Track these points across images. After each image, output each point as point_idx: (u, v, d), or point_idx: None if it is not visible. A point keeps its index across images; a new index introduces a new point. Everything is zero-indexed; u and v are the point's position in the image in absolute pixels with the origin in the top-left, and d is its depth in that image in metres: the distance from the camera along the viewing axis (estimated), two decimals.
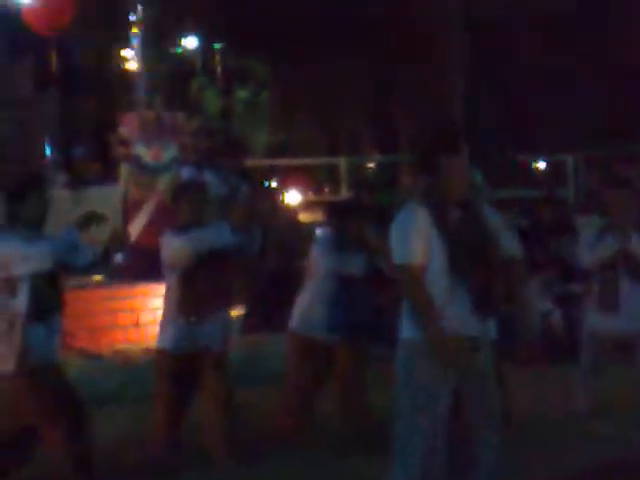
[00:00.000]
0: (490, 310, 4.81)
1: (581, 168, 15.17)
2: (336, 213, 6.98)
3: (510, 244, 4.98)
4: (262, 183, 12.47)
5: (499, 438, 4.86)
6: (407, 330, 4.82)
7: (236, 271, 6.64)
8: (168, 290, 6.42)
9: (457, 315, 4.71)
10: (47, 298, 5.58)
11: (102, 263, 5.92)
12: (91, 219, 5.69)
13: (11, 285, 5.50)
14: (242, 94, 18.89)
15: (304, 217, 11.66)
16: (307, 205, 12.57)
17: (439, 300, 4.70)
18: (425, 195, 4.79)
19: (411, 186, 12.11)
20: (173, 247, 6.32)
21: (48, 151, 11.23)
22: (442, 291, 4.71)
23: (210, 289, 6.29)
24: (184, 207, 6.39)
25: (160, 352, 6.40)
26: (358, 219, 6.73)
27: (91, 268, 6.42)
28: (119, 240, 6.03)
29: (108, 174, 10.61)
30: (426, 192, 4.80)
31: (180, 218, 6.41)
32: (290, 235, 9.79)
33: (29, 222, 5.60)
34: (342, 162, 14.00)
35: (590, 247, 7.00)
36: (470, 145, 11.89)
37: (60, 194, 10.02)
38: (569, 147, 15.43)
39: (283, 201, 12.09)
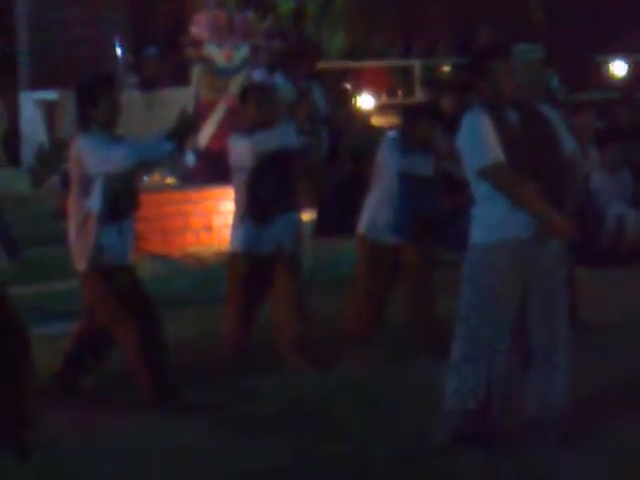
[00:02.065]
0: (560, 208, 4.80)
1: None
2: (407, 115, 6.96)
3: (569, 142, 4.98)
4: (339, 87, 12.39)
5: (565, 360, 4.91)
6: (478, 235, 4.86)
7: (302, 173, 6.67)
8: (237, 192, 6.51)
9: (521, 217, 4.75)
10: (121, 199, 5.65)
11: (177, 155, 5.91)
12: (187, 124, 5.66)
13: (85, 185, 5.59)
14: None
15: (378, 121, 11.60)
16: (381, 108, 12.49)
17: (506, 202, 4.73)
18: (483, 99, 4.83)
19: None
20: (238, 148, 6.40)
21: (120, 52, 11.25)
22: None
23: (276, 190, 6.36)
24: (251, 109, 6.46)
25: (231, 254, 6.51)
26: (427, 121, 6.70)
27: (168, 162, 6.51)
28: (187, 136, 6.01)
29: (180, 76, 10.61)
30: (483, 96, 4.84)
31: (247, 120, 6.47)
32: (362, 138, 9.77)
33: (102, 124, 5.65)
34: (416, 65, 13.87)
35: None
36: (548, 49, 11.70)
37: (132, 95, 10.07)
38: None
39: (357, 104, 12.02)
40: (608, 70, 16.14)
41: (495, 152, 4.69)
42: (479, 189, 4.85)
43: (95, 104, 5.65)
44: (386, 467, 4.81)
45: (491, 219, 4.82)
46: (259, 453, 5.03)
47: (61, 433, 5.23)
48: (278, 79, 9.43)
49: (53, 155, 5.35)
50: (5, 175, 5.31)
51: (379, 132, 9.48)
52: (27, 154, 10.04)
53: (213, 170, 8.81)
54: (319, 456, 4.96)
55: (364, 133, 10.09)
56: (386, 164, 6.72)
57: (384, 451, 4.95)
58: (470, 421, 4.81)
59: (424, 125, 6.70)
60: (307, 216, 8.86)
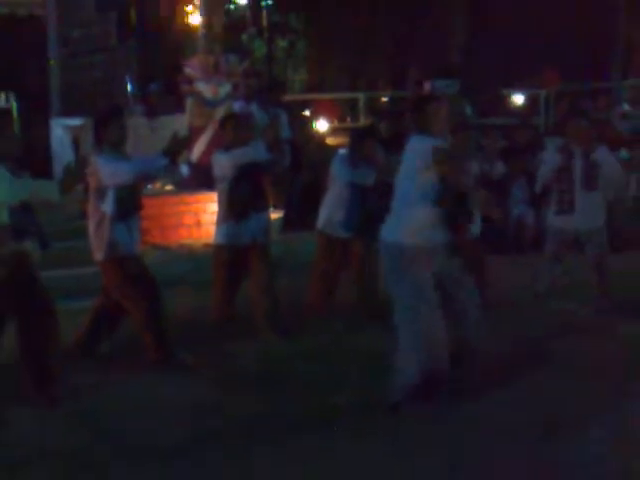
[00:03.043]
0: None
1: (551, 101, 14.87)
2: (354, 136, 6.90)
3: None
4: (300, 114, 12.28)
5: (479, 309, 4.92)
6: (393, 234, 4.84)
7: (270, 180, 6.59)
8: (219, 197, 6.41)
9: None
10: (128, 203, 5.55)
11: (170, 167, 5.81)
12: (177, 143, 5.59)
13: (100, 192, 5.49)
14: (282, 43, 18.59)
15: (331, 140, 11.52)
16: (333, 131, 12.43)
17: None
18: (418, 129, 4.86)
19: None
20: (220, 162, 6.30)
21: (130, 88, 11.10)
22: None
23: (250, 194, 6.25)
24: (229, 132, 6.37)
25: (216, 246, 6.41)
26: (370, 141, 6.64)
27: (163, 174, 6.42)
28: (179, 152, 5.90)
29: (177, 106, 10.49)
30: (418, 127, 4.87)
31: (226, 140, 6.38)
32: (319, 154, 9.69)
33: (112, 144, 5.55)
34: (361, 97, 13.86)
35: (548, 162, 7.02)
36: (464, 83, 11.60)
37: (139, 121, 9.94)
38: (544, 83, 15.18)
39: (314, 128, 11.94)
40: (509, 101, 16.18)
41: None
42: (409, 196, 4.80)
43: (107, 128, 5.55)
44: (343, 415, 4.73)
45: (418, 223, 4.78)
46: (239, 402, 4.95)
47: (80, 387, 5.15)
48: (254, 108, 9.34)
49: (77, 169, 5.23)
50: (39, 185, 5.17)
51: (332, 149, 9.44)
52: (57, 168, 9.89)
53: (202, 179, 8.70)
54: (288, 406, 4.88)
55: (319, 150, 10.01)
56: (337, 175, 6.65)
57: (341, 403, 4.87)
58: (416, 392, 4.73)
59: (368, 144, 6.65)
60: (276, 215, 8.83)
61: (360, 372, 5.33)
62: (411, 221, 4.80)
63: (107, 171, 5.41)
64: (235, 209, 6.21)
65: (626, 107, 14.41)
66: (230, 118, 6.70)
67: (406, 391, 4.73)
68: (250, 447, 4.34)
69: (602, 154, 6.80)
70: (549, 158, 7.12)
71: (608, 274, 6.80)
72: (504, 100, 16.19)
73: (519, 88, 16.15)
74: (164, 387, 5.19)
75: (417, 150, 4.81)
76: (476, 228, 6.86)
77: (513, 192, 9.33)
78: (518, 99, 16.12)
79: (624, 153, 9.69)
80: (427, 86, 12.77)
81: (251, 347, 5.95)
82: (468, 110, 12.89)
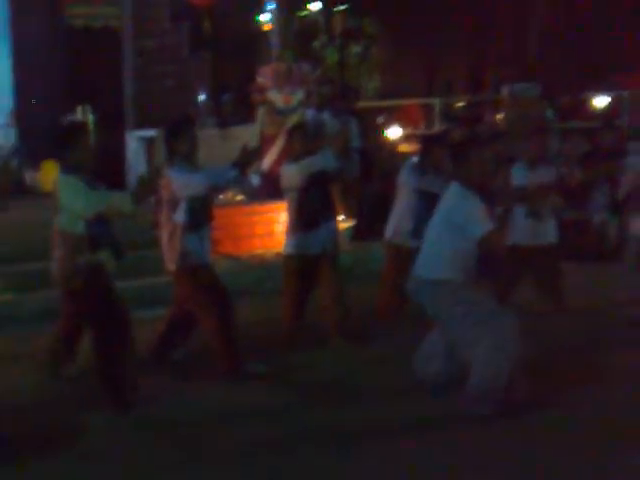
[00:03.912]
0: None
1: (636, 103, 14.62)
2: (423, 143, 6.99)
3: None
4: (373, 121, 12.36)
5: None
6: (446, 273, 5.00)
7: (340, 189, 6.69)
8: (289, 207, 6.54)
9: None
10: (200, 214, 5.72)
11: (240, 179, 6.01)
12: (247, 156, 5.78)
13: (173, 203, 5.69)
14: (355, 49, 18.71)
15: (403, 148, 11.58)
16: (406, 138, 12.48)
17: None
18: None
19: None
20: (288, 172, 6.45)
21: (202, 98, 11.39)
22: None
23: (319, 204, 6.38)
24: (296, 143, 6.52)
25: (285, 256, 6.55)
26: (439, 149, 6.72)
27: (233, 185, 6.61)
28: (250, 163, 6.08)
29: (248, 116, 10.71)
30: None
31: (294, 151, 6.53)
32: (391, 162, 9.78)
33: (184, 155, 5.73)
34: (437, 102, 13.90)
35: (633, 167, 6.97)
36: (544, 86, 11.53)
37: (211, 132, 10.18)
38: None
39: (386, 135, 12.00)
40: (591, 104, 15.98)
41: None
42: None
43: (178, 140, 5.75)
44: (415, 426, 4.84)
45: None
46: (310, 410, 5.12)
47: (155, 394, 5.37)
48: (326, 116, 9.50)
49: (150, 181, 5.46)
50: (114, 197, 5.41)
51: (404, 157, 9.50)
52: (132, 180, 10.21)
53: (274, 189, 8.87)
54: (359, 414, 5.02)
55: (392, 158, 10.09)
56: (406, 183, 6.75)
57: (412, 411, 4.99)
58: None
59: (437, 151, 6.73)
60: (346, 224, 8.95)
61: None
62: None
63: (179, 182, 5.63)
64: (304, 219, 6.35)
65: None
66: (298, 128, 6.85)
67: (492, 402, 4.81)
68: (319, 454, 4.48)
69: None
70: (634, 162, 7.06)
71: None
72: (586, 103, 16.01)
73: (601, 90, 15.94)
74: (237, 395, 5.37)
75: (460, 210, 4.97)
76: (553, 235, 6.90)
77: (594, 198, 9.25)
78: (601, 101, 15.90)
79: None
80: (505, 90, 12.73)
81: (322, 355, 6.10)
82: (549, 114, 12.82)
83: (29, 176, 10.81)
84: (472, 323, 4.87)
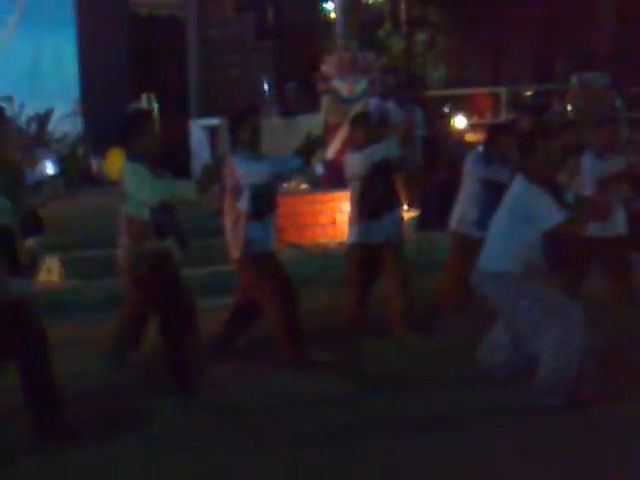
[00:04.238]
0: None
1: None
2: (489, 132, 6.93)
3: None
4: (439, 110, 12.28)
5: None
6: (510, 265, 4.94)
7: (404, 178, 6.68)
8: (352, 196, 6.55)
9: None
10: (263, 202, 5.76)
11: (304, 168, 6.04)
12: (311, 145, 5.81)
13: (237, 192, 5.74)
14: (421, 37, 18.62)
15: (470, 137, 11.48)
16: (473, 127, 12.37)
17: None
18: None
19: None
20: (352, 161, 6.46)
21: (266, 87, 11.44)
22: None
23: (383, 193, 6.38)
24: (359, 132, 6.53)
25: (349, 245, 6.56)
26: (506, 138, 6.66)
27: (297, 174, 6.63)
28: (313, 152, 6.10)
29: (312, 105, 10.73)
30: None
31: (357, 140, 6.53)
32: (457, 151, 9.72)
33: (247, 144, 5.77)
34: (503, 91, 13.75)
35: None
36: (614, 75, 11.31)
37: (274, 121, 10.23)
38: None
39: (452, 124, 11.91)
40: None
41: None
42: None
43: (241, 129, 5.79)
44: (480, 417, 4.81)
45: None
46: (374, 399, 5.12)
47: (220, 381, 5.44)
48: (390, 105, 9.47)
49: (215, 169, 5.53)
50: (179, 185, 5.49)
51: (470, 146, 9.44)
52: (196, 168, 10.31)
53: (337, 178, 8.90)
54: (422, 404, 5.01)
55: (458, 147, 10.02)
56: (471, 173, 6.70)
57: (475, 403, 4.96)
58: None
59: (503, 141, 6.68)
60: (411, 214, 8.92)
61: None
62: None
63: (243, 171, 5.68)
64: (368, 208, 6.35)
65: None
66: (361, 116, 6.87)
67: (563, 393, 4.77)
68: (384, 443, 4.49)
69: None
70: None
71: None
72: None
73: None
74: (301, 383, 5.41)
75: (527, 203, 4.91)
76: (622, 226, 6.79)
77: None
78: None
79: None
80: (575, 79, 12.53)
81: (386, 345, 6.11)
82: (618, 103, 12.58)
83: (95, 164, 10.99)
84: (538, 316, 4.83)
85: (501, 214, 5.09)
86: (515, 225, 4.93)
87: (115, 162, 10.10)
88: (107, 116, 10.71)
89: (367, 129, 6.50)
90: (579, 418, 4.67)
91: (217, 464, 4.32)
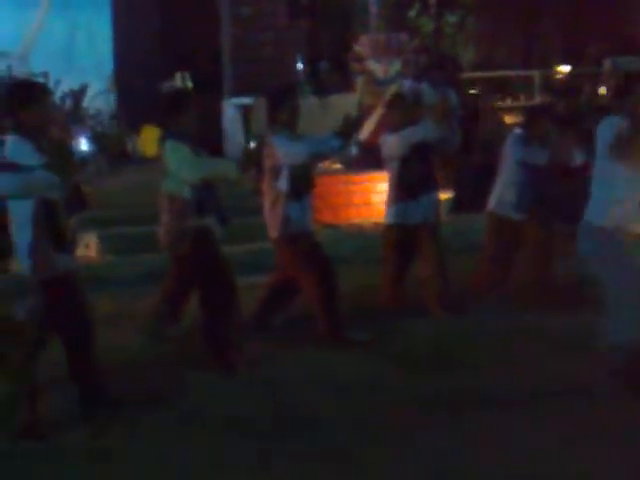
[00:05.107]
0: None
1: None
2: (528, 115, 6.90)
3: None
4: (470, 92, 12.15)
5: None
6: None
7: (440, 159, 6.67)
8: (390, 177, 6.57)
9: None
10: (302, 182, 5.78)
11: (343, 148, 6.03)
12: (351, 125, 5.81)
13: (275, 171, 5.75)
14: (451, 18, 18.46)
15: (504, 119, 11.38)
16: (509, 109, 12.29)
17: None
18: None
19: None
20: (389, 142, 6.46)
21: (300, 66, 11.42)
22: None
23: (420, 174, 6.38)
24: (396, 113, 6.52)
25: (386, 225, 6.57)
26: (544, 120, 6.63)
27: (337, 154, 6.64)
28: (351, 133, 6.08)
29: (345, 85, 10.71)
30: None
31: (394, 121, 6.52)
32: (492, 133, 9.65)
33: (286, 124, 5.78)
34: (536, 74, 13.64)
35: None
36: None
37: (309, 100, 10.21)
38: None
39: (491, 106, 11.80)
40: None
41: None
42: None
43: (280, 109, 5.80)
44: (519, 397, 4.82)
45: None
46: (408, 379, 5.14)
47: (258, 358, 5.47)
48: (424, 87, 9.41)
49: (256, 150, 5.56)
50: (219, 163, 5.52)
51: (505, 128, 9.37)
52: (229, 147, 10.35)
53: (371, 159, 8.88)
54: (457, 384, 5.02)
55: (496, 129, 9.93)
56: (510, 154, 6.68)
57: (504, 383, 4.98)
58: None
59: (541, 123, 6.65)
60: (446, 195, 8.89)
61: (531, 354, 5.44)
62: None
63: (282, 151, 5.68)
64: (405, 189, 6.37)
65: None
66: (398, 98, 6.87)
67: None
68: (420, 423, 4.51)
69: None
70: None
71: None
72: None
73: None
74: (339, 362, 5.44)
75: None
76: None
77: None
78: None
79: None
80: (608, 63, 12.41)
81: (421, 326, 6.13)
82: None
83: (129, 141, 11.04)
84: None
85: None
86: None
87: (149, 140, 10.15)
88: (140, 94, 10.76)
89: (404, 110, 6.50)
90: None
91: (249, 444, 4.32)
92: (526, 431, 4.34)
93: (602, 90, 12.86)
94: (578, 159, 6.83)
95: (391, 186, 6.52)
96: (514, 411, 4.61)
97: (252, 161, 5.53)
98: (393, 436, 4.37)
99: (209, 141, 6.81)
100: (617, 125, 4.62)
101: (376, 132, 8.95)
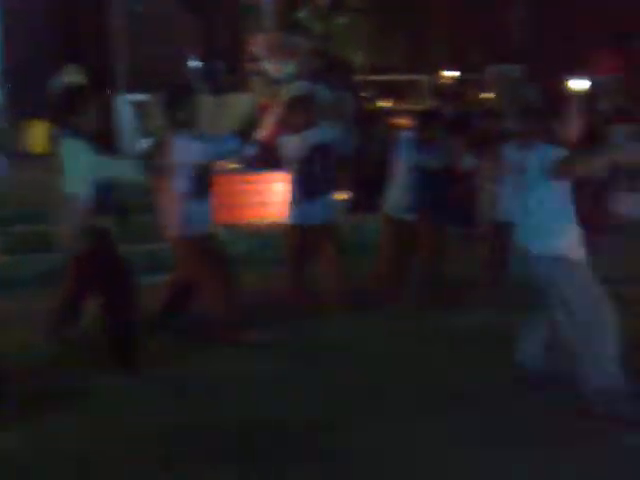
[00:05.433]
0: None
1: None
2: (419, 119, 7.02)
3: None
4: (362, 96, 12.30)
5: None
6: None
7: (338, 161, 6.73)
8: (292, 178, 6.57)
9: None
10: (201, 181, 5.73)
11: (241, 149, 6.02)
12: (250, 126, 5.81)
13: (174, 171, 5.68)
14: (341, 21, 18.66)
15: (396, 122, 11.55)
16: (397, 113, 12.48)
17: None
18: None
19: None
20: (291, 144, 6.48)
21: (194, 65, 11.32)
22: None
23: (320, 176, 6.42)
24: (298, 114, 6.54)
25: (288, 226, 6.59)
26: (436, 124, 6.76)
27: (236, 154, 6.62)
28: (250, 133, 6.10)
29: (240, 84, 10.66)
30: None
31: (295, 122, 6.54)
32: (385, 136, 9.79)
33: (185, 123, 5.73)
34: (425, 79, 13.92)
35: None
36: (529, 68, 11.44)
37: (204, 99, 10.10)
38: None
39: (377, 110, 12.00)
40: (570, 87, 16.07)
41: None
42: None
43: (179, 108, 5.74)
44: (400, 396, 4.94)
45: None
46: (313, 377, 5.18)
47: (159, 359, 5.40)
48: (319, 88, 9.46)
49: (152, 149, 5.48)
50: (118, 163, 5.43)
51: (397, 131, 9.50)
52: (122, 144, 10.12)
53: (268, 158, 8.87)
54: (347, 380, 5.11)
55: (385, 131, 10.08)
56: (402, 158, 6.79)
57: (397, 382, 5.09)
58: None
59: (433, 127, 6.78)
60: (343, 196, 8.97)
61: (427, 351, 5.58)
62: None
63: (182, 150, 5.63)
64: (307, 190, 6.41)
65: None
66: (299, 100, 6.86)
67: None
68: (315, 422, 4.56)
69: None
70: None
71: None
72: (567, 86, 16.09)
73: (583, 74, 16.01)
74: (240, 362, 5.43)
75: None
76: None
77: None
78: (581, 85, 16.00)
79: None
80: (491, 70, 12.80)
81: (322, 323, 6.17)
82: (532, 94, 12.88)
83: (18, 137, 10.68)
84: None
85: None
86: None
87: (37, 136, 9.86)
88: (29, 89, 10.42)
89: (305, 112, 6.52)
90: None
91: (150, 445, 4.27)
92: (416, 428, 4.43)
93: (486, 96, 13.25)
94: (467, 163, 7.04)
95: (293, 187, 6.54)
96: (409, 404, 4.72)
97: (153, 161, 5.45)
98: (295, 436, 4.38)
99: (102, 138, 6.66)
100: (545, 152, 4.60)
101: (273, 132, 8.93)
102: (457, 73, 15.01)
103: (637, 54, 14.56)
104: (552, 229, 4.58)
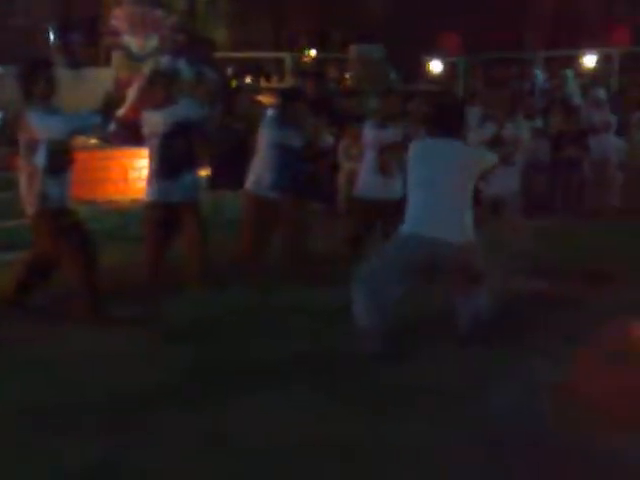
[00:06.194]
0: None
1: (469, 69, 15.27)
2: (281, 97, 7.02)
3: None
4: (224, 72, 12.19)
5: None
6: None
7: (201, 138, 6.66)
8: (151, 154, 6.46)
9: None
10: (60, 157, 5.58)
11: (103, 126, 5.88)
12: (111, 102, 5.66)
13: (31, 146, 5.50)
14: None
15: (259, 99, 11.53)
16: (262, 90, 12.45)
17: None
18: None
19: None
20: (152, 119, 6.37)
21: (51, 37, 10.90)
22: None
23: (182, 152, 6.33)
24: (159, 90, 6.42)
25: (147, 203, 6.46)
26: (298, 103, 6.78)
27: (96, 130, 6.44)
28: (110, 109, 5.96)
29: (98, 57, 10.37)
30: None
31: (156, 98, 6.43)
32: (247, 112, 9.75)
33: (42, 97, 5.54)
34: (287, 56, 13.92)
35: (474, 130, 7.29)
36: (387, 49, 11.75)
37: (62, 73, 9.76)
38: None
39: (239, 86, 11.92)
40: (428, 67, 16.50)
41: None
42: None
43: (35, 82, 5.53)
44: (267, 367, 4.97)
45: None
46: (173, 353, 5.14)
47: (18, 338, 5.23)
48: (181, 64, 9.33)
49: (10, 124, 5.26)
50: None
51: (260, 108, 9.49)
52: None
53: (128, 134, 8.69)
54: (220, 355, 5.11)
55: (250, 108, 10.04)
56: (265, 136, 6.78)
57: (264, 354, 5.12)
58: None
59: (295, 106, 6.80)
60: (203, 172, 8.89)
61: (291, 327, 5.63)
62: None
63: (39, 125, 5.44)
64: (167, 166, 6.30)
65: (539, 77, 14.91)
66: (160, 75, 6.76)
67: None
68: (185, 399, 4.52)
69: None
70: (473, 125, 7.39)
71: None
72: (424, 67, 16.49)
73: (438, 55, 16.46)
74: (100, 339, 5.31)
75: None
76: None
77: None
78: (436, 66, 16.45)
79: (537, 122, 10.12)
80: (352, 50, 12.92)
81: (183, 301, 6.11)
82: (393, 75, 13.13)
83: None
84: None
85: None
86: None
87: None
88: None
89: (166, 88, 6.42)
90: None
91: (34, 430, 4.14)
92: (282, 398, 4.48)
93: (347, 75, 13.40)
94: (327, 141, 7.09)
95: (152, 163, 6.41)
96: (265, 378, 4.75)
97: (7, 136, 5.23)
98: (171, 409, 4.35)
99: None
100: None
101: (134, 108, 8.74)
102: (318, 52, 15.11)
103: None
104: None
